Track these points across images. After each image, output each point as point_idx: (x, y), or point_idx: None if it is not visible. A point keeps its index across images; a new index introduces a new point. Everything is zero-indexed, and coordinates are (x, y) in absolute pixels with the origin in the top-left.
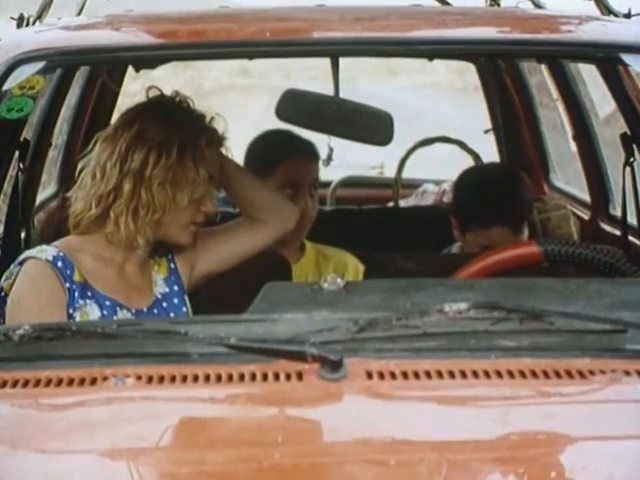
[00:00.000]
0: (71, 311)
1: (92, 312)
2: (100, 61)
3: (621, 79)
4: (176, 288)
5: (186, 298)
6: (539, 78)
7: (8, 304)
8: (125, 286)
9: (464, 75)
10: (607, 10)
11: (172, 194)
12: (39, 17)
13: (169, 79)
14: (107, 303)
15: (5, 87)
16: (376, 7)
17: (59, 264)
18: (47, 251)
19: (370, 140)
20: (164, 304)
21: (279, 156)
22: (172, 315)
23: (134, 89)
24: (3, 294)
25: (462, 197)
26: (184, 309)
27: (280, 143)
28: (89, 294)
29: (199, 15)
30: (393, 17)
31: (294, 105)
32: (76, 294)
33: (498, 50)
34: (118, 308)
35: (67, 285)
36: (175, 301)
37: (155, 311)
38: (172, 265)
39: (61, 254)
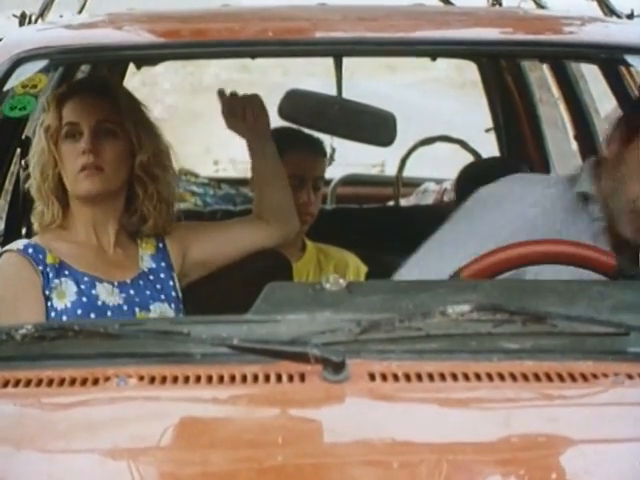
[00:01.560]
0: (47, 292)
1: (68, 289)
2: (103, 60)
3: (622, 79)
4: (163, 264)
5: (174, 274)
6: (539, 74)
7: None
8: (105, 263)
9: (463, 70)
10: (610, 11)
11: (34, 173)
12: (41, 15)
13: (168, 75)
14: (85, 279)
15: (8, 85)
16: (378, 6)
17: (30, 250)
18: (18, 242)
19: (373, 141)
20: (151, 277)
21: (285, 147)
22: (159, 287)
23: (133, 84)
24: None
25: (465, 188)
26: (171, 283)
27: (287, 136)
28: (66, 272)
29: (201, 14)
30: (396, 17)
31: (296, 105)
32: (50, 275)
33: (501, 51)
34: (97, 282)
35: (40, 268)
36: (162, 275)
37: (140, 282)
38: (160, 245)
39: (32, 242)
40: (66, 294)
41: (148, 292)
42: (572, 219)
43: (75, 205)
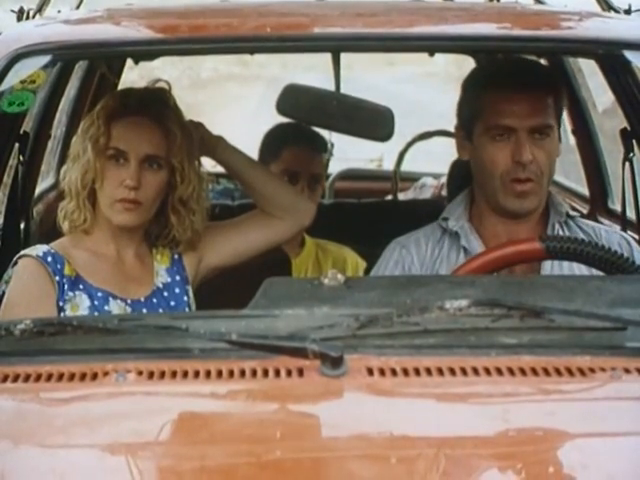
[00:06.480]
0: (61, 304)
1: (82, 303)
2: (101, 55)
3: (620, 74)
4: (178, 278)
5: (188, 288)
6: None
7: (2, 304)
8: (122, 278)
9: (461, 65)
10: (607, 6)
11: (73, 174)
12: (39, 10)
13: (166, 68)
14: (99, 294)
15: (6, 81)
16: (377, 2)
17: (49, 259)
18: (38, 248)
19: (370, 136)
20: (165, 293)
21: (282, 143)
22: (172, 304)
23: (131, 78)
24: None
25: (455, 184)
26: (185, 298)
27: (286, 131)
28: (81, 287)
29: (200, 9)
30: (394, 12)
31: (295, 100)
32: (66, 287)
33: (499, 46)
34: (111, 298)
35: (57, 279)
36: (177, 290)
37: (154, 300)
38: (176, 256)
39: (52, 250)
40: (79, 307)
41: (161, 310)
42: (447, 254)
43: (104, 215)
